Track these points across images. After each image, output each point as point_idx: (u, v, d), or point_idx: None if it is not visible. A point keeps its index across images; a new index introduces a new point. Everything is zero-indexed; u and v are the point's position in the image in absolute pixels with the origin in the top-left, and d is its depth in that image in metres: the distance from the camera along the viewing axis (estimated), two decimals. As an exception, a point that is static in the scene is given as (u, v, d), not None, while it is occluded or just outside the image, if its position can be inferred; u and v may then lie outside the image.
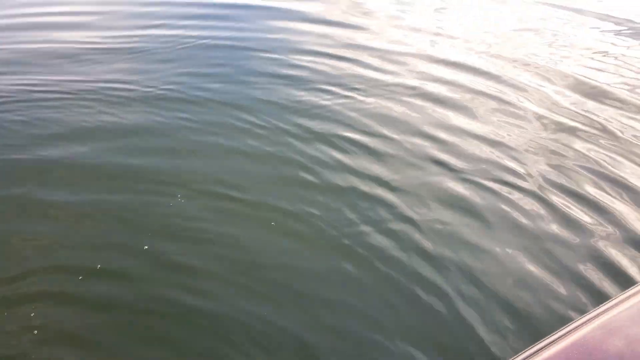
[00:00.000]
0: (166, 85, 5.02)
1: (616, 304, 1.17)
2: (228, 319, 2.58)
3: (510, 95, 5.33)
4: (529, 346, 1.10)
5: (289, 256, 3.04)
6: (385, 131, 4.45)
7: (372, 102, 4.98)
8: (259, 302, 2.69)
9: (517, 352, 2.45)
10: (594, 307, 1.16)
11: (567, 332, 1.09)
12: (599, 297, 2.88)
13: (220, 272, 2.87)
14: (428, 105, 5.01)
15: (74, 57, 5.59)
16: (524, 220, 3.45)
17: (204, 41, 6.36)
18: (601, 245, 3.27)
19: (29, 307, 2.55)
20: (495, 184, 3.80)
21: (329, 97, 5.00)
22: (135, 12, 7.63)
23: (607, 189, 3.83)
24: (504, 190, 3.75)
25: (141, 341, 2.45)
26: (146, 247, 2.99)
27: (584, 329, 1.10)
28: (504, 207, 3.58)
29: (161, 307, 2.63)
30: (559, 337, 1.08)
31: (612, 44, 7.45)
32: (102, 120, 4.26)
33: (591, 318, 1.13)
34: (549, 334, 1.12)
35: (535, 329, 2.68)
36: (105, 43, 6.10)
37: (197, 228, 3.18)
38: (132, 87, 4.91)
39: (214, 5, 8.10)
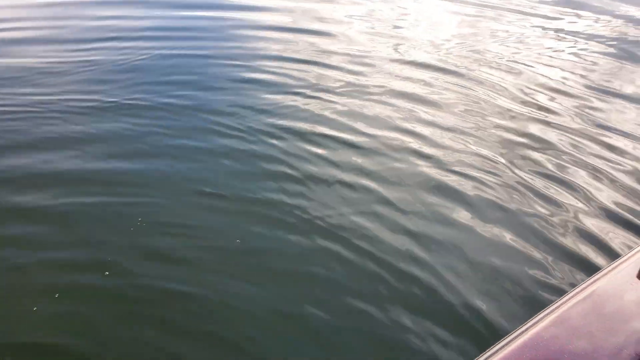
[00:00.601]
0: (130, 94, 4.90)
1: (568, 300, 1.21)
2: (215, 301, 2.62)
3: (473, 89, 5.56)
4: (492, 344, 1.13)
5: (270, 241, 3.08)
6: (359, 126, 4.54)
7: (342, 101, 5.06)
8: (243, 283, 2.74)
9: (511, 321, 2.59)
10: (548, 305, 1.21)
11: (524, 331, 1.13)
12: (581, 265, 3.05)
13: (204, 259, 2.90)
14: (398, 102, 5.14)
15: (32, 71, 5.40)
16: (498, 200, 3.61)
17: (162, 51, 6.26)
18: (573, 218, 3.47)
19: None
20: (468, 169, 3.96)
21: (298, 98, 5.05)
22: (89, 26, 7.44)
23: (569, 167, 4.09)
24: (475, 174, 3.91)
25: (134, 325, 2.47)
26: (129, 242, 2.97)
27: (538, 325, 1.14)
28: (478, 189, 3.73)
29: (151, 294, 2.64)
30: (516, 336, 1.11)
31: (556, 39, 7.92)
32: (69, 130, 4.13)
33: (545, 315, 1.17)
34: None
35: (519, 294, 2.81)
36: (62, 57, 5.92)
37: (177, 223, 3.17)
38: (96, 97, 4.78)
39: (168, 17, 8.01)
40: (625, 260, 1.35)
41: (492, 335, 2.52)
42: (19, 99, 4.63)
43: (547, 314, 1.16)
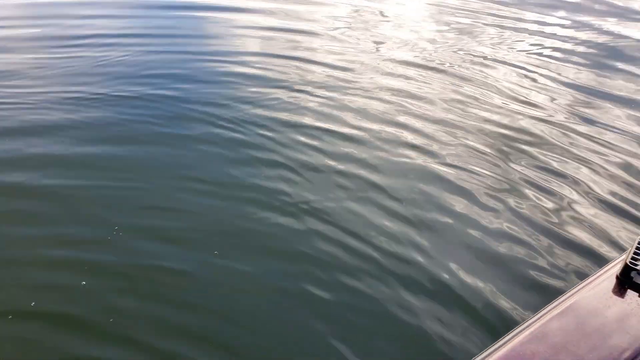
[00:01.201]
0: (115, 87, 4.89)
1: (546, 313, 1.17)
2: (204, 276, 2.69)
3: (459, 85, 5.68)
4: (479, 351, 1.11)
5: (258, 222, 3.12)
6: (346, 118, 4.60)
7: (327, 94, 5.12)
8: (231, 261, 2.80)
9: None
10: (528, 317, 1.18)
11: (501, 345, 1.09)
12: (576, 253, 3.09)
13: (192, 239, 2.95)
14: (385, 95, 5.20)
15: (18, 67, 5.39)
16: (490, 190, 3.65)
17: (147, 48, 6.21)
18: (568, 208, 3.51)
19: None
20: (457, 160, 4.02)
21: (283, 91, 5.08)
22: (72, 24, 7.42)
23: (559, 159, 4.16)
24: (465, 165, 3.96)
25: (129, 297, 2.54)
26: (122, 221, 3.02)
27: (516, 340, 1.10)
28: (470, 179, 3.77)
29: (143, 269, 2.71)
30: (492, 351, 1.08)
31: (541, 38, 8.12)
32: (56, 118, 4.16)
33: (524, 329, 1.13)
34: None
35: (514, 285, 2.82)
36: (47, 54, 5.91)
37: (166, 206, 3.21)
38: (81, 89, 4.78)
39: (151, 16, 8.02)
40: (604, 272, 1.31)
41: (484, 325, 2.53)
42: (5, 92, 4.64)
43: (526, 328, 1.13)
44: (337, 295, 2.62)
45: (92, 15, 7.97)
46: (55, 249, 2.79)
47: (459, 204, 3.46)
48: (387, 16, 9.34)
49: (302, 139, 4.17)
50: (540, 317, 1.17)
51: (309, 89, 5.23)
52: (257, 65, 5.85)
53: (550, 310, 1.19)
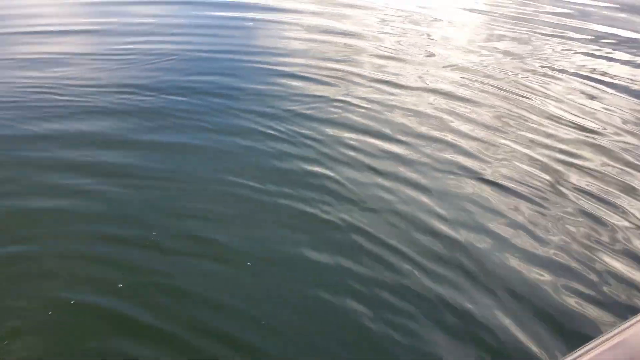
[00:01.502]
0: (167, 84, 5.07)
1: (597, 346, 1.10)
2: (241, 279, 2.70)
3: (514, 99, 5.45)
4: (575, 348, 1.06)
5: (295, 228, 3.10)
6: (395, 126, 4.50)
7: (377, 104, 5.02)
8: (268, 264, 2.81)
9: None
10: (576, 350, 1.10)
11: (615, 334, 1.06)
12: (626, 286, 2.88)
13: (231, 241, 2.97)
14: (436, 103, 5.05)
15: (77, 63, 5.65)
16: (542, 217, 3.46)
17: (193, 47, 6.38)
18: (622, 239, 3.27)
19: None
20: (509, 182, 3.81)
21: (331, 98, 5.04)
22: (130, 22, 7.70)
23: (615, 188, 3.86)
24: (517, 186, 3.76)
25: (169, 294, 2.58)
26: (165, 219, 3.09)
27: (631, 330, 1.06)
28: (521, 200, 3.59)
29: (184, 268, 2.75)
30: (606, 339, 1.04)
31: (601, 55, 7.73)
32: (116, 110, 4.42)
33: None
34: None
35: (562, 315, 2.66)
36: (105, 49, 6.15)
37: (202, 208, 3.24)
38: (135, 84, 4.99)
39: (204, 16, 8.20)
40: None
41: (528, 355, 2.40)
42: (66, 81, 4.92)
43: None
44: (371, 308, 2.55)
45: (148, 14, 8.24)
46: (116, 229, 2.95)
47: (505, 227, 3.29)
48: (439, 26, 9.18)
49: (346, 147, 4.08)
50: (589, 350, 1.09)
51: (356, 96, 5.16)
52: (306, 70, 5.83)
53: (601, 344, 1.11)
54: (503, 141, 4.46)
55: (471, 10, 10.39)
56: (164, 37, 6.80)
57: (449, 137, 4.41)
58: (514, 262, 2.98)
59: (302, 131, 4.27)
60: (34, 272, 2.62)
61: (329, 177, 3.59)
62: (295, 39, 7.23)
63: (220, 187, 3.44)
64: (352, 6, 9.42)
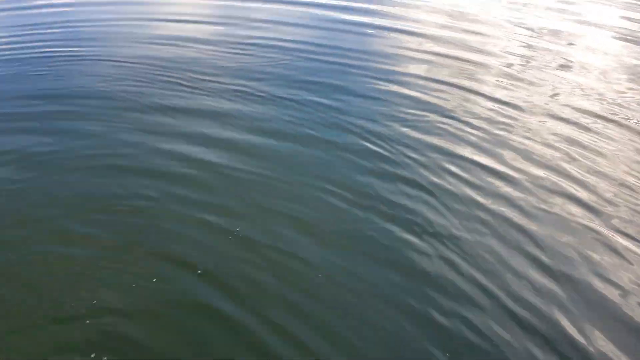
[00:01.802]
0: (278, 87, 5.24)
1: None
2: (327, 272, 2.82)
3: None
4: None
5: (386, 233, 3.18)
6: (504, 156, 4.25)
7: (489, 129, 4.77)
8: (355, 263, 2.91)
9: None
10: None
11: None
12: None
13: (323, 236, 3.12)
14: (553, 140, 4.68)
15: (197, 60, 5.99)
16: None
17: (305, 55, 6.49)
18: None
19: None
20: (624, 226, 3.46)
21: (440, 117, 4.87)
22: (251, 25, 8.03)
23: None
24: (635, 232, 3.39)
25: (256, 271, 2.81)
26: (257, 210, 3.32)
27: None
28: (635, 249, 3.23)
29: (273, 251, 2.96)
30: None
31: None
32: (230, 107, 4.73)
33: None
34: None
35: None
36: (222, 52, 6.47)
37: (302, 202, 3.43)
38: (249, 85, 5.26)
39: (313, 27, 8.31)
40: None
41: None
42: (187, 76, 5.34)
43: None
44: (452, 323, 2.53)
45: (266, 19, 8.53)
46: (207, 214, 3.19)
47: (615, 272, 3.00)
48: (570, 60, 8.50)
49: (450, 166, 3.96)
50: None
51: (468, 119, 4.93)
52: (417, 88, 5.70)
53: None
54: (627, 186, 4.03)
55: (621, 37, 9.54)
56: (279, 42, 6.97)
57: (569, 173, 4.07)
58: (617, 307, 2.78)
59: (409, 153, 4.16)
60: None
61: (427, 203, 3.49)
62: (412, 58, 7.04)
63: (317, 193, 3.52)
64: (483, 22, 9.07)
